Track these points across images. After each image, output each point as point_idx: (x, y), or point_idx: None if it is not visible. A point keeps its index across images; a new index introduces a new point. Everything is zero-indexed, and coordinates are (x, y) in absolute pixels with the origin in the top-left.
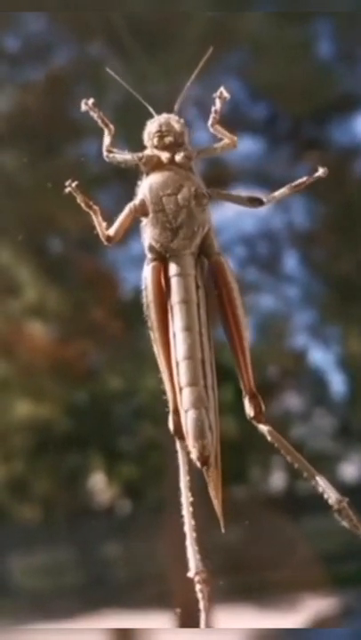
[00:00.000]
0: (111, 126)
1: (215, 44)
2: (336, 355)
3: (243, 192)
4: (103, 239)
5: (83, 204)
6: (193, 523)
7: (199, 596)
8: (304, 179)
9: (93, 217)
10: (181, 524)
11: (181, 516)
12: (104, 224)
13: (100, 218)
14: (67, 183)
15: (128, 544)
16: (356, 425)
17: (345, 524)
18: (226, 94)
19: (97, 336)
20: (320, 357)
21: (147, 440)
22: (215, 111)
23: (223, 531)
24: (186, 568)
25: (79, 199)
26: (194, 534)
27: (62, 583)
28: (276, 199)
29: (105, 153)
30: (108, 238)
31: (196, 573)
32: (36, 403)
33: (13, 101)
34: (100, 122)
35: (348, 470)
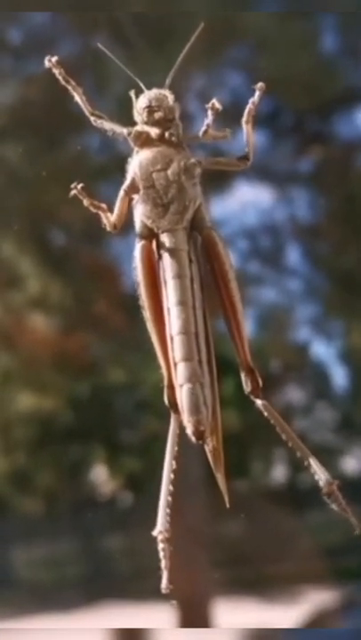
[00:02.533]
0: (73, 83)
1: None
2: (338, 348)
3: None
4: (110, 228)
5: (91, 207)
6: (171, 488)
7: (161, 554)
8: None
9: (102, 214)
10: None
11: (170, 488)
12: (109, 214)
13: (108, 213)
14: (72, 186)
15: (130, 536)
16: (359, 418)
17: (334, 507)
18: (218, 105)
19: (99, 328)
20: (323, 351)
21: (149, 432)
22: (207, 124)
23: (228, 506)
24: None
25: (86, 202)
26: (169, 498)
27: (64, 575)
28: (252, 145)
29: (91, 118)
30: (114, 226)
31: (160, 532)
32: (38, 395)
33: (17, 94)
34: (62, 80)
35: (350, 463)
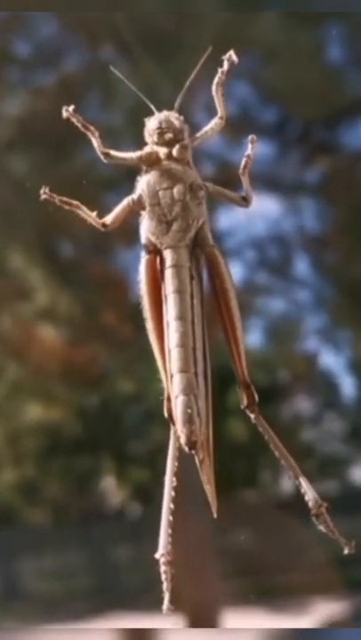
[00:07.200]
0: (92, 129)
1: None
2: (347, 358)
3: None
4: (98, 225)
5: (64, 206)
6: (172, 507)
7: (163, 577)
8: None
9: (77, 210)
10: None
11: (171, 506)
12: (87, 210)
13: (83, 208)
14: (41, 191)
15: (139, 547)
16: None
17: (322, 528)
18: (234, 58)
19: (108, 340)
20: (331, 361)
21: (157, 443)
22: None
23: (215, 516)
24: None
25: (57, 202)
26: (170, 518)
27: (73, 586)
28: (250, 192)
29: (102, 157)
30: (103, 224)
31: (162, 555)
32: (46, 406)
33: (25, 106)
34: (81, 127)
35: (359, 474)
